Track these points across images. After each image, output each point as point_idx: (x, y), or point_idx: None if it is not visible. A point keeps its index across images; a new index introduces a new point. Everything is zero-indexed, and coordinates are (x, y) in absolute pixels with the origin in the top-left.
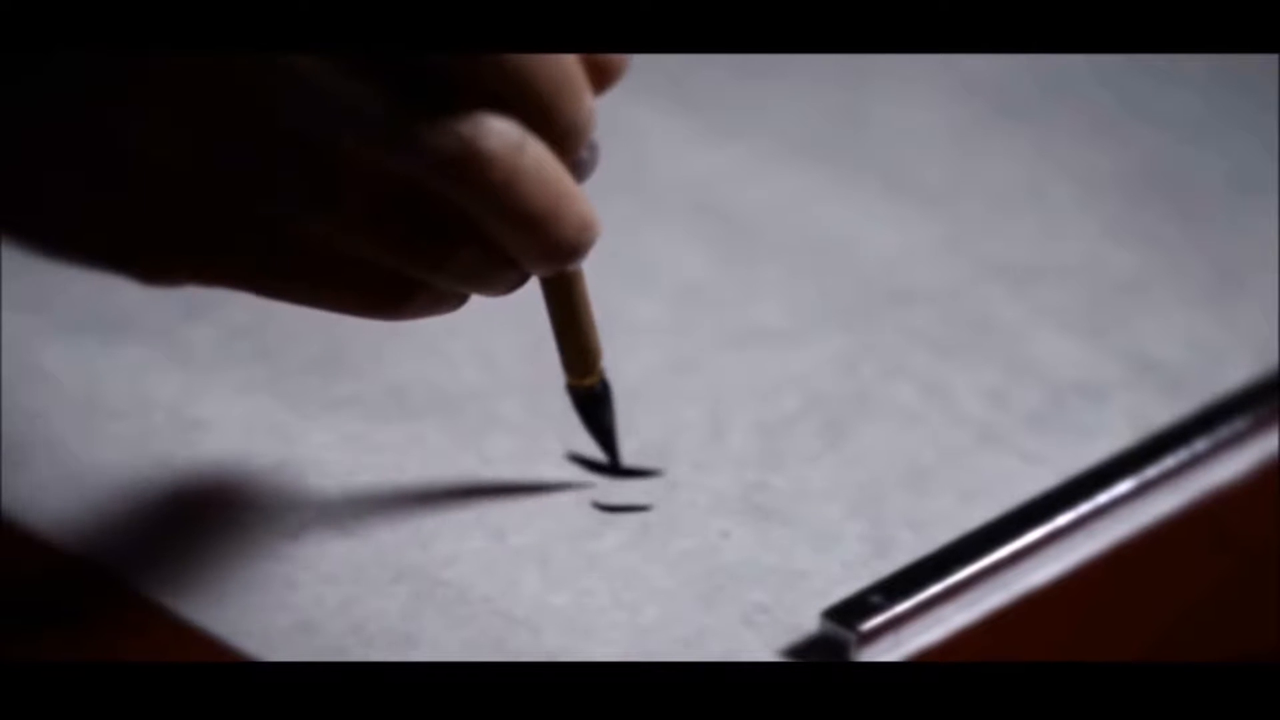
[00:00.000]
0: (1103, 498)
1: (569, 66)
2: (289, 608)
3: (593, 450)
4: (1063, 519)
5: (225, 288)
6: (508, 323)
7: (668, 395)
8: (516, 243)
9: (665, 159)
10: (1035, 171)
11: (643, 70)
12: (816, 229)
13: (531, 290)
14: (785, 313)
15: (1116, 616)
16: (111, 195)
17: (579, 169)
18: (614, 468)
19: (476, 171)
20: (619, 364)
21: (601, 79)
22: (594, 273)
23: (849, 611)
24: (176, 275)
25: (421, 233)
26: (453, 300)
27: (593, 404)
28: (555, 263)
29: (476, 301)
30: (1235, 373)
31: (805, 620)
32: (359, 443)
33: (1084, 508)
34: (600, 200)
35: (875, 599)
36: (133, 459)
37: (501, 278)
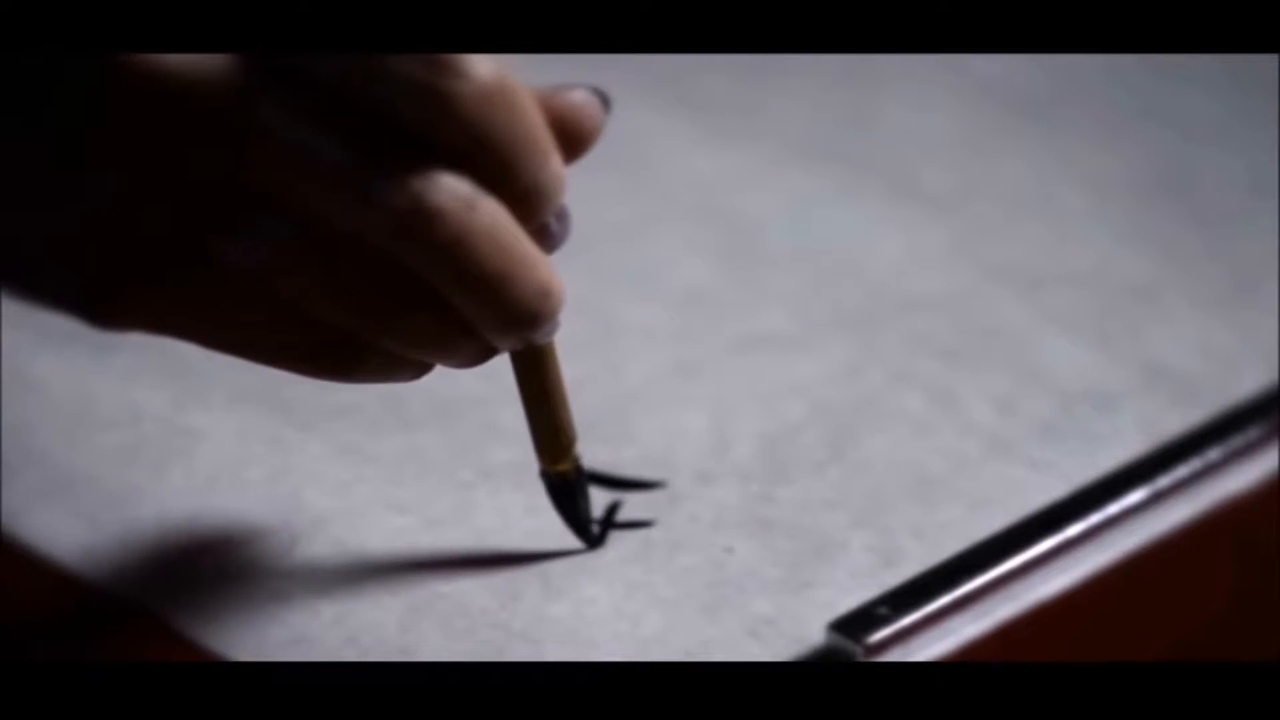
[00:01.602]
0: (1114, 507)
1: (533, 127)
2: (283, 621)
3: (594, 461)
4: (1074, 529)
5: (173, 337)
6: None
7: (670, 403)
8: (470, 308)
9: (668, 162)
10: (1045, 175)
11: (644, 71)
12: (822, 233)
13: None
14: (790, 319)
15: (1129, 628)
16: (65, 234)
17: (547, 238)
18: (591, 545)
19: (424, 227)
20: (620, 370)
21: (571, 147)
22: (595, 277)
23: (856, 623)
24: (126, 320)
25: (375, 292)
26: (411, 368)
27: (566, 492)
28: (513, 332)
29: None
30: (1249, 380)
31: (811, 632)
32: (356, 454)
33: (1095, 518)
34: (602, 203)
35: (882, 610)
36: (124, 470)
37: (460, 347)
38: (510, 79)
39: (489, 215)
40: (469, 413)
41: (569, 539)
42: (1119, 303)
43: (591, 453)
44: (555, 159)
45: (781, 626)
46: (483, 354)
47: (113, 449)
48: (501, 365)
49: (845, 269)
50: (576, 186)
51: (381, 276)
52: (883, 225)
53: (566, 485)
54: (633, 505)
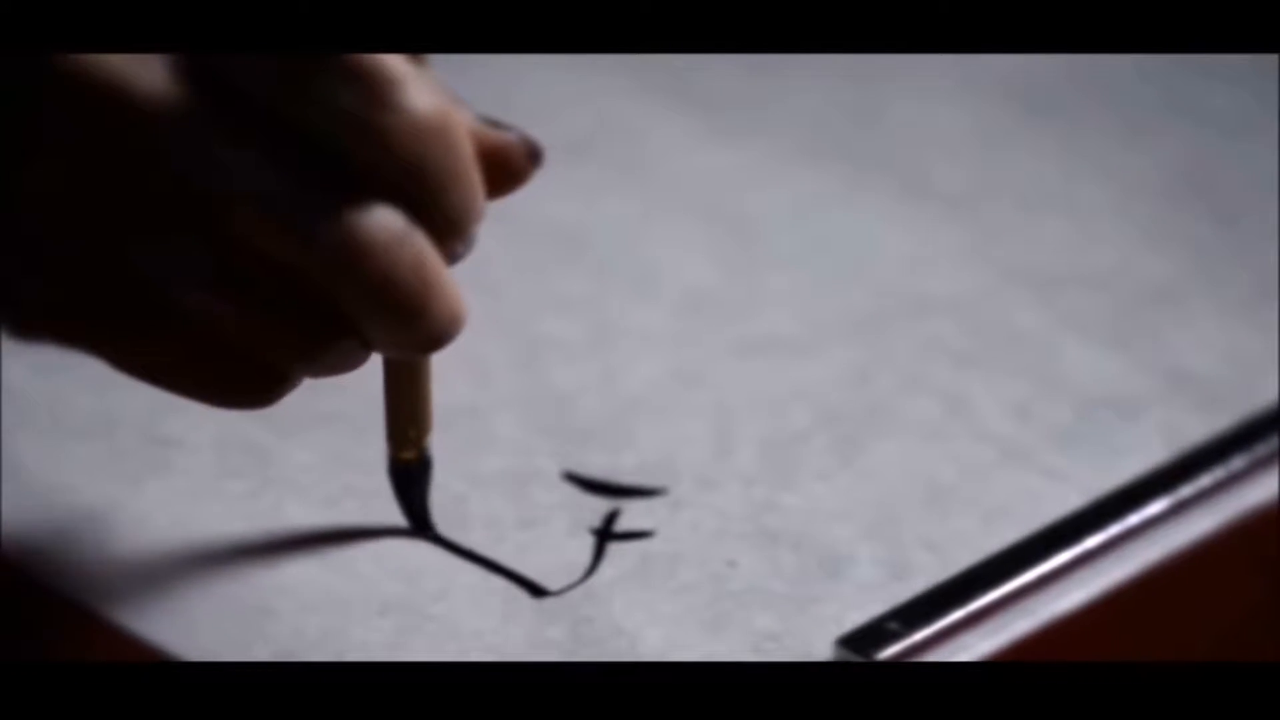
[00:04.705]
0: (1134, 518)
1: (466, 162)
2: (267, 638)
3: (592, 468)
4: (1092, 541)
5: (86, 355)
6: (501, 330)
7: (671, 408)
8: (381, 332)
9: (669, 160)
10: (1064, 173)
11: (645, 68)
12: (829, 233)
13: (525, 294)
14: (796, 321)
15: (1148, 643)
16: None
17: (451, 258)
18: (435, 538)
19: (356, 261)
20: (620, 374)
21: (495, 186)
22: (595, 278)
23: (864, 639)
24: (43, 333)
25: (296, 320)
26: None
27: (406, 479)
28: (416, 353)
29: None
30: (1275, 386)
31: (818, 648)
32: (341, 463)
33: (1114, 529)
34: (602, 201)
35: (892, 626)
36: (100, 480)
37: (351, 359)
38: (449, 115)
39: (416, 249)
40: (459, 421)
41: (566, 544)
42: (1140, 305)
43: (590, 460)
44: (481, 194)
45: (786, 643)
46: (361, 359)
47: (88, 459)
48: (493, 371)
49: (853, 270)
50: (577, 185)
51: (306, 306)
52: (892, 225)
53: (408, 473)
54: (632, 513)
